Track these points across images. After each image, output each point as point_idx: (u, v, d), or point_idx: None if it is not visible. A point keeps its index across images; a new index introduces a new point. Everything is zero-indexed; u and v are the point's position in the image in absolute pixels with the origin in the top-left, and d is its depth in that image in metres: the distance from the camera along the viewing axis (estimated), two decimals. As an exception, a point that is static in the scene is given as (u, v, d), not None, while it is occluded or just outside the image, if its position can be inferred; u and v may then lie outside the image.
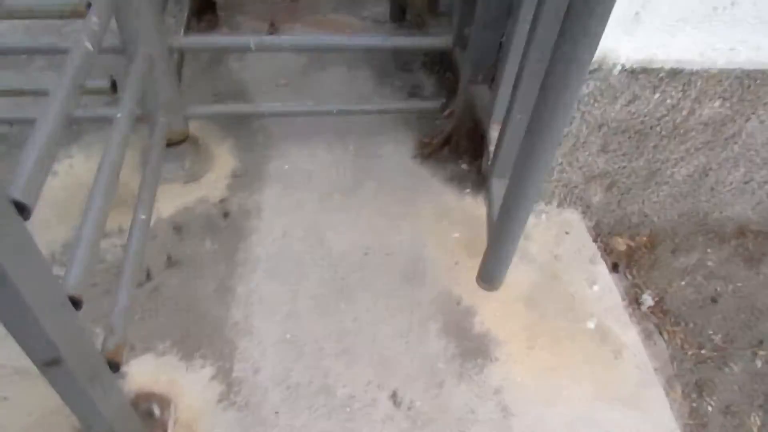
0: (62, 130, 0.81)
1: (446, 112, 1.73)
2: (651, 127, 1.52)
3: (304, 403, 1.17)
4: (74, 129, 1.65)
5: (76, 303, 0.84)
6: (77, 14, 1.33)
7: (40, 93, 1.60)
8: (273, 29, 2.17)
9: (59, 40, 1.51)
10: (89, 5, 1.31)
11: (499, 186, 1.29)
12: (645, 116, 1.49)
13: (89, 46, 0.95)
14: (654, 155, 1.60)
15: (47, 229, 1.42)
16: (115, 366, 0.97)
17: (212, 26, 2.15)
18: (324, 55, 1.99)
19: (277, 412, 1.16)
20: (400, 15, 2.19)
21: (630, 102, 1.44)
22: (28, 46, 1.47)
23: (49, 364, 0.75)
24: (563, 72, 0.92)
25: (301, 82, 1.94)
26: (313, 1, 2.30)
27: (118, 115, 1.15)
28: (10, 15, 1.29)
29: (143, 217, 1.21)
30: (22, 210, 0.68)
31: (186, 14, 1.89)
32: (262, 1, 2.29)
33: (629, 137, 1.54)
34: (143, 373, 1.18)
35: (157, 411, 1.12)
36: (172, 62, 1.41)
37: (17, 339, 0.72)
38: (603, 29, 0.84)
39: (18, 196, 0.68)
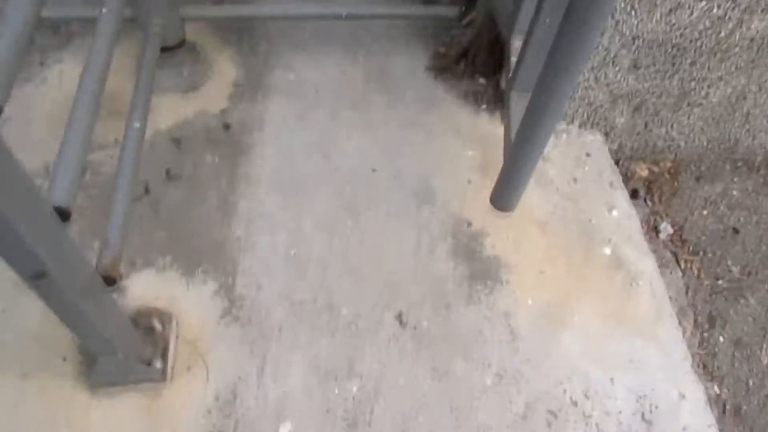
0: (31, 34, 0.72)
1: (465, 21, 1.59)
2: (690, 41, 1.39)
3: (307, 321, 1.15)
4: (63, 33, 1.54)
5: (63, 214, 0.78)
6: None
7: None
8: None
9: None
10: None
11: (518, 101, 1.19)
12: (685, 28, 1.35)
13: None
14: (690, 73, 1.47)
15: (39, 141, 1.36)
16: (110, 280, 0.93)
17: None
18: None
19: (280, 329, 1.14)
20: None
21: (671, 11, 1.30)
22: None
23: (35, 278, 0.71)
24: None
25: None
26: None
27: (104, 10, 1.04)
28: None
29: (137, 125, 1.14)
30: None
31: None
32: None
33: (665, 52, 1.40)
34: (144, 288, 1.15)
35: (158, 326, 1.10)
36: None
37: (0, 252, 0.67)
38: None
39: None
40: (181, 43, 1.43)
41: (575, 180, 1.44)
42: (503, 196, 1.12)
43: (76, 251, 0.80)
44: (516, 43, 1.29)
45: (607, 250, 1.34)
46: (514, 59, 1.25)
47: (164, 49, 1.40)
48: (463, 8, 1.70)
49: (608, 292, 1.28)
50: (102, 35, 1.02)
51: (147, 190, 1.30)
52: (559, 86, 0.91)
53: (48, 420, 1.01)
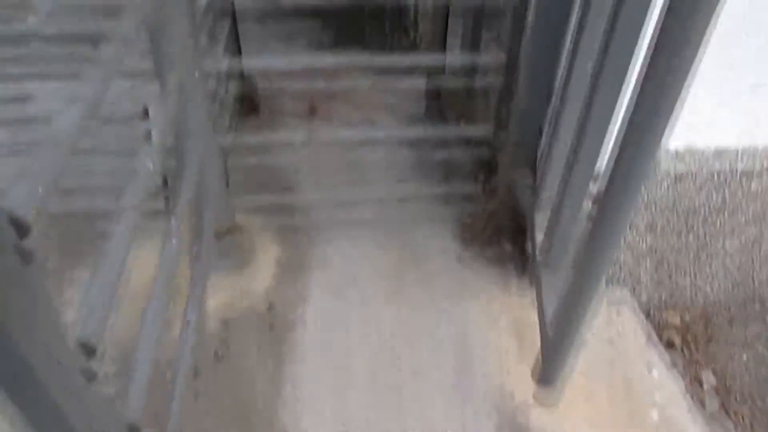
0: (124, 265, 0.83)
1: (487, 189, 1.73)
2: (699, 204, 1.49)
3: None
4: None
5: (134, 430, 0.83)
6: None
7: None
8: (312, 111, 2.23)
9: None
10: (146, 111, 1.38)
11: (548, 279, 1.27)
12: (692, 194, 1.46)
13: (150, 165, 0.99)
14: (704, 230, 1.56)
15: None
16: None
17: (254, 110, 2.23)
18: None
19: None
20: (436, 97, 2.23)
21: (676, 181, 1.42)
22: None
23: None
24: (629, 168, 0.91)
25: (342, 164, 1.97)
26: (350, 82, 2.37)
27: (172, 224, 1.18)
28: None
29: (192, 319, 1.22)
30: (90, 352, 0.69)
31: (231, 102, 1.97)
32: (301, 83, 2.37)
33: (677, 214, 1.51)
34: (195, 483, 1.15)
35: None
36: (222, 160, 1.45)
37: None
38: (678, 108, 0.81)
39: (85, 337, 0.69)
40: (231, 229, 1.57)
41: (611, 341, 1.46)
42: (546, 378, 1.15)
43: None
44: (538, 220, 1.40)
45: (654, 414, 1.33)
46: (539, 236, 1.35)
47: (216, 235, 1.53)
48: (484, 178, 1.86)
49: (662, 461, 1.25)
50: (169, 252, 1.14)
51: (196, 374, 1.35)
52: (592, 279, 0.99)
53: None
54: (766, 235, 1.66)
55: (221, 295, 1.52)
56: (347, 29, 2.90)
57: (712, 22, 0.73)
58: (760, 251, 1.71)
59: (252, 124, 2.16)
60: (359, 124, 2.17)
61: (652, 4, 0.91)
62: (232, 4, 1.96)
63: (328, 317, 1.46)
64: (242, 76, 2.19)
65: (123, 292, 0.82)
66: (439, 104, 2.27)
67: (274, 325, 1.45)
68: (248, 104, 2.22)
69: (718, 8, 0.69)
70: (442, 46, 2.16)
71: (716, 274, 1.74)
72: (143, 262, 1.57)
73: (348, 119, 2.20)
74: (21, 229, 0.53)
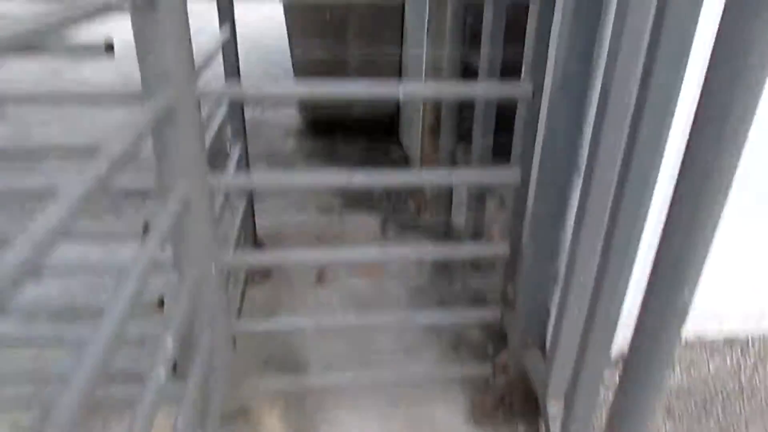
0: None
1: (498, 367, 1.71)
2: (715, 388, 1.47)
3: None
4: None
5: None
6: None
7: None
8: (321, 278, 2.29)
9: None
10: (161, 302, 1.42)
11: (569, 477, 1.21)
12: (707, 379, 1.44)
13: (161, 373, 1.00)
14: (724, 416, 1.52)
15: None
16: None
17: (266, 277, 2.29)
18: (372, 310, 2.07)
19: None
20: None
21: (689, 368, 1.41)
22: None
23: None
24: (647, 357, 0.91)
25: (351, 333, 1.98)
26: (357, 250, 2.46)
27: (178, 416, 1.16)
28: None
29: None
30: None
31: (243, 278, 2.03)
32: (310, 252, 2.46)
33: (694, 401, 1.47)
34: None
35: None
36: (232, 347, 1.46)
37: None
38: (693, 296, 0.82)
39: None
40: (237, 412, 1.53)
41: None
42: None
43: None
44: (552, 407, 1.37)
45: None
46: (553, 426, 1.31)
47: (221, 420, 1.49)
48: (493, 354, 1.85)
49: None
50: (176, 426, 1.11)
51: None
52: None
53: None
54: (789, 418, 1.60)
55: (223, 487, 1.44)
56: (355, 196, 3.09)
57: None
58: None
59: (263, 295, 2.21)
60: (366, 291, 2.21)
61: (655, 190, 0.95)
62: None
63: None
64: (255, 242, 2.31)
65: None
66: (447, 273, 2.34)
67: None
68: (261, 272, 2.29)
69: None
70: (448, 220, 2.29)
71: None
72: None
73: (355, 287, 2.25)
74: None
